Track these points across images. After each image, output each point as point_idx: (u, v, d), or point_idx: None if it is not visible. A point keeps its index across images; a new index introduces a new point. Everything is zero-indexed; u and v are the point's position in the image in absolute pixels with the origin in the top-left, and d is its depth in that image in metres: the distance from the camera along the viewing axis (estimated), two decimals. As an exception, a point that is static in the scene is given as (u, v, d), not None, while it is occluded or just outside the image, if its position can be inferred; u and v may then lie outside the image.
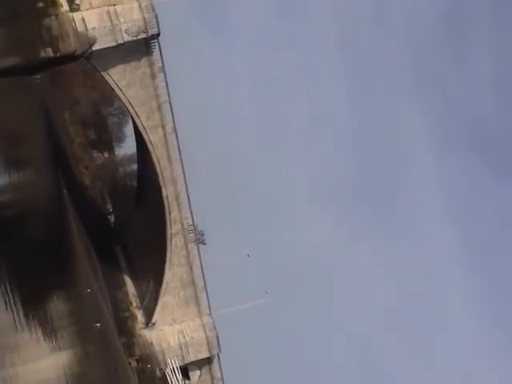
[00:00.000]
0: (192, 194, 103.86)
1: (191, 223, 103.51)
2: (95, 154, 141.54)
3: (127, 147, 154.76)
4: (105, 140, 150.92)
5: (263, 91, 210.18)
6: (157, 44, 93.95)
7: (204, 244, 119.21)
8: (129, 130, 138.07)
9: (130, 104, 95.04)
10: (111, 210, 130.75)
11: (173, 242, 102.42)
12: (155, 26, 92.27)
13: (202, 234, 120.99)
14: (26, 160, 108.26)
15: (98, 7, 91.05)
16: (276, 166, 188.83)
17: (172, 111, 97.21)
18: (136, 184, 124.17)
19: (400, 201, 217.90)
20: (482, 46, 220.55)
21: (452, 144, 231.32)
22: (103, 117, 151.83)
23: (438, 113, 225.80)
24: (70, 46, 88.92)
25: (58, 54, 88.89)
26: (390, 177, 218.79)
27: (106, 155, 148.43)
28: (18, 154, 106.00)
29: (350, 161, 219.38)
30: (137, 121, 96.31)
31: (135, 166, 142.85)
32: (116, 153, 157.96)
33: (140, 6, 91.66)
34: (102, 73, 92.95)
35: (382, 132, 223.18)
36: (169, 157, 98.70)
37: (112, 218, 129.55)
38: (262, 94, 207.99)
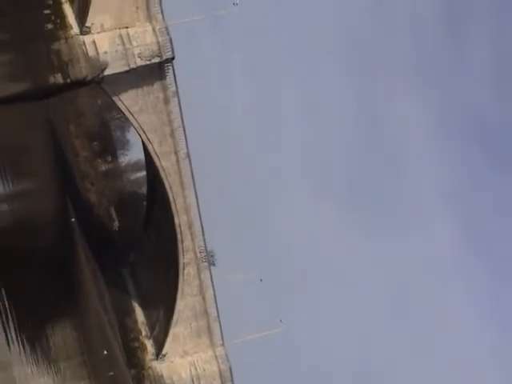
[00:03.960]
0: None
1: (204, 251, 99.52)
2: (100, 166, 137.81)
3: (132, 154, 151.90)
4: (110, 149, 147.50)
5: (279, 112, 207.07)
6: (171, 68, 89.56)
7: (214, 265, 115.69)
8: (132, 133, 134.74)
9: (142, 130, 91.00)
10: (118, 229, 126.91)
11: (185, 271, 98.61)
12: (169, 49, 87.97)
13: (212, 255, 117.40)
14: (31, 180, 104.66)
15: (110, 30, 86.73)
16: (288, 187, 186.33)
17: (186, 137, 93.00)
18: (145, 201, 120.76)
19: (397, 189, 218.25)
20: (481, 37, 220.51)
21: (449, 133, 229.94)
22: (107, 123, 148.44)
23: (436, 102, 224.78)
24: (81, 71, 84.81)
25: (68, 80, 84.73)
26: (387, 165, 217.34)
27: (112, 166, 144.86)
28: (24, 174, 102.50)
29: (350, 152, 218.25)
30: (149, 147, 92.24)
31: (141, 174, 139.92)
32: (120, 160, 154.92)
33: (154, 28, 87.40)
34: (114, 98, 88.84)
35: (380, 120, 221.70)
36: (182, 184, 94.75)
37: (119, 239, 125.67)
38: (277, 116, 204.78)
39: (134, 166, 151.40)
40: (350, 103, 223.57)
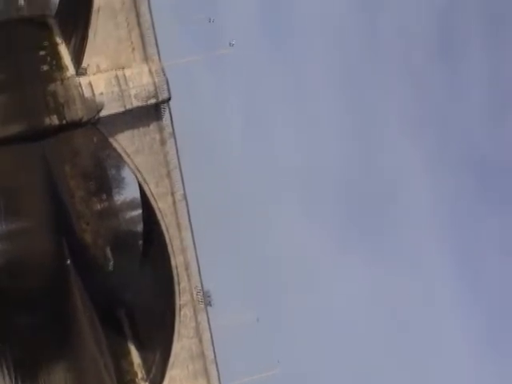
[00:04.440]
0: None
1: (201, 292, 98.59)
2: (96, 205, 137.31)
3: (127, 192, 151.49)
4: (105, 188, 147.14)
5: (278, 153, 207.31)
6: (167, 108, 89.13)
7: (210, 305, 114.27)
8: (127, 171, 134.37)
9: (139, 171, 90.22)
10: (114, 269, 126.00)
11: (182, 312, 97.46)
12: (166, 90, 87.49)
13: (209, 296, 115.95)
14: (27, 221, 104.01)
15: (106, 71, 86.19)
16: (287, 228, 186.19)
17: (182, 178, 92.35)
18: (140, 240, 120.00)
19: (391, 221, 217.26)
20: (475, 70, 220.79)
21: (444, 167, 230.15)
22: (102, 162, 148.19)
23: (430, 136, 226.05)
24: (77, 113, 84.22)
25: (64, 122, 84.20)
26: (381, 198, 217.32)
27: (107, 205, 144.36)
28: (20, 215, 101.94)
29: (344, 183, 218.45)
30: (145, 188, 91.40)
31: (136, 212, 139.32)
32: (116, 199, 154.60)
33: (150, 69, 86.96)
34: (110, 139, 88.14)
35: (374, 153, 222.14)
36: (178, 225, 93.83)
37: (115, 279, 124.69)
38: (275, 155, 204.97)
39: (130, 205, 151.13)
40: (344, 137, 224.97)
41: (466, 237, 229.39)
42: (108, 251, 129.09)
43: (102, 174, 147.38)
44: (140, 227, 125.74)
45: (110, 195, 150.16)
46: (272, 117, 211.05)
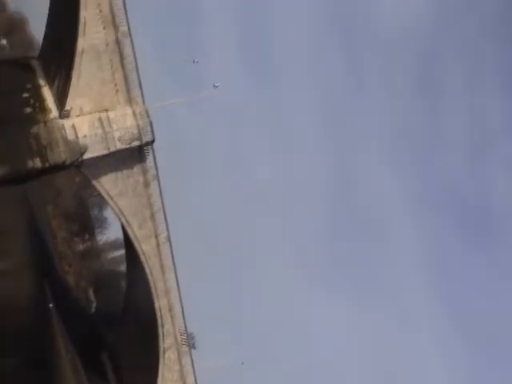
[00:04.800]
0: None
1: (185, 334, 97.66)
2: (78, 246, 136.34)
3: (109, 232, 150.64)
4: (87, 228, 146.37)
5: (262, 195, 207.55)
6: (151, 151, 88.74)
7: (194, 348, 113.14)
8: (110, 211, 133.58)
9: (122, 213, 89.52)
10: (96, 310, 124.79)
11: (166, 355, 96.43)
12: (149, 132, 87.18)
13: (193, 338, 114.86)
14: (8, 264, 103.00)
15: (90, 113, 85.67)
16: (272, 270, 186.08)
17: (166, 220, 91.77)
18: (123, 280, 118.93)
19: (375, 264, 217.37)
20: (456, 111, 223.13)
21: (426, 207, 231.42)
22: (84, 202, 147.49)
23: (412, 176, 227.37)
24: (60, 155, 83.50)
25: (47, 165, 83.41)
26: (365, 240, 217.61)
27: (89, 245, 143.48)
28: (1, 257, 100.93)
29: (326, 224, 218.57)
30: (128, 230, 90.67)
31: (119, 253, 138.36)
32: (98, 238, 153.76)
33: (134, 111, 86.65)
34: (93, 181, 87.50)
35: (357, 194, 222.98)
36: (162, 267, 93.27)
37: (97, 321, 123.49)
38: (260, 196, 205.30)
39: (112, 245, 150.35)
40: (324, 173, 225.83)
41: (449, 274, 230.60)
42: (91, 293, 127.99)
43: (84, 214, 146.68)
44: (123, 268, 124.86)
45: (92, 235, 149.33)
46: (255, 156, 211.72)
